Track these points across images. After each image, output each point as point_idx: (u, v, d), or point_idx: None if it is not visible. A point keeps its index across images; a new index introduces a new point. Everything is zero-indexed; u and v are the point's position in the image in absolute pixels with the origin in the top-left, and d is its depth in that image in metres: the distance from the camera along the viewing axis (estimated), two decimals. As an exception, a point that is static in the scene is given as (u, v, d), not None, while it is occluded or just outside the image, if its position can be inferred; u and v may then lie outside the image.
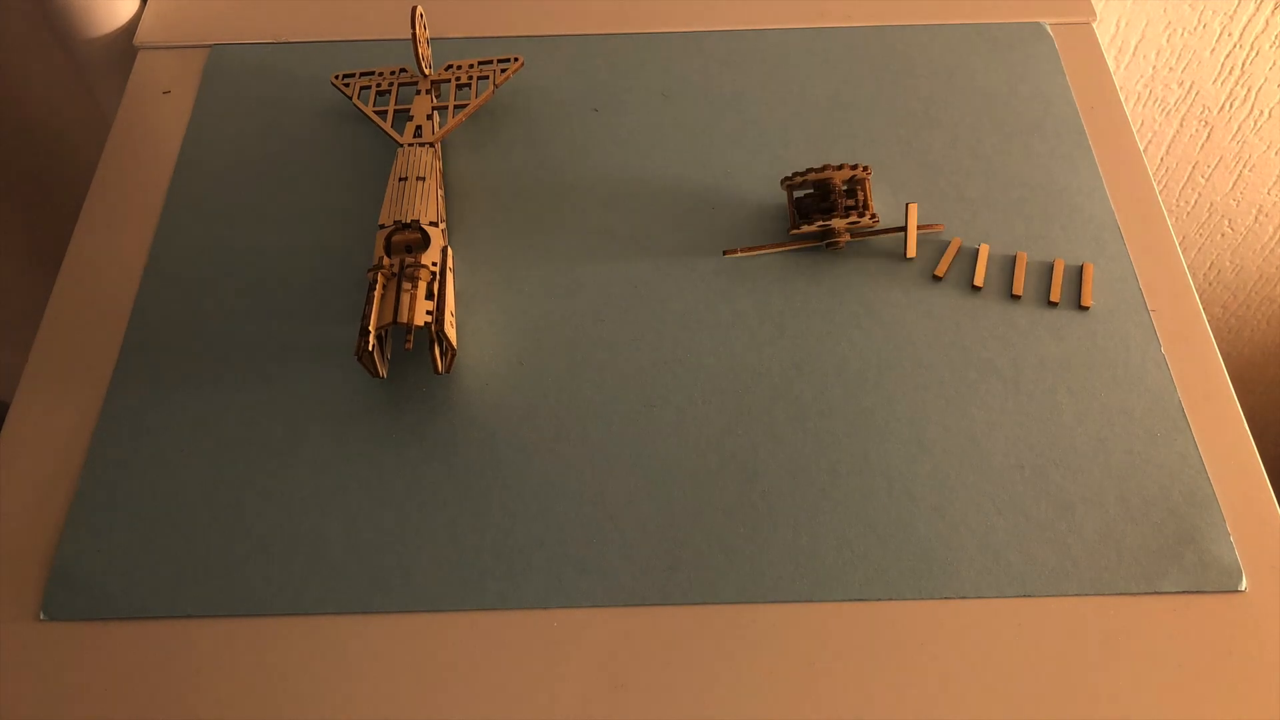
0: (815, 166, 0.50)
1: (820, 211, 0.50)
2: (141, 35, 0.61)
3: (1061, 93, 0.57)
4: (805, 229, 0.50)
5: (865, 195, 0.49)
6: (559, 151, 0.55)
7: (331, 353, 0.48)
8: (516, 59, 0.56)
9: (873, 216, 0.49)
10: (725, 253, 0.51)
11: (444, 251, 0.48)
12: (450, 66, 0.57)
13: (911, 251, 0.49)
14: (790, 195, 0.51)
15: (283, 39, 0.61)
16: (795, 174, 0.50)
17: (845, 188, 0.50)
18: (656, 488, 0.44)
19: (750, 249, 0.51)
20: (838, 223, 0.49)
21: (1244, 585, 0.41)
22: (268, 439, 0.45)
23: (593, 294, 0.50)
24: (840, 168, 0.49)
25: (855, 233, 0.51)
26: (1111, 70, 0.65)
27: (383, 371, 0.46)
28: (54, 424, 0.46)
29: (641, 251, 0.51)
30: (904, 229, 0.51)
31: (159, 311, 0.49)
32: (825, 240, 0.50)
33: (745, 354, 0.48)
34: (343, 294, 0.50)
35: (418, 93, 0.55)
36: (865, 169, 0.49)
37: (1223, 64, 0.83)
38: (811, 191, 0.51)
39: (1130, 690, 0.39)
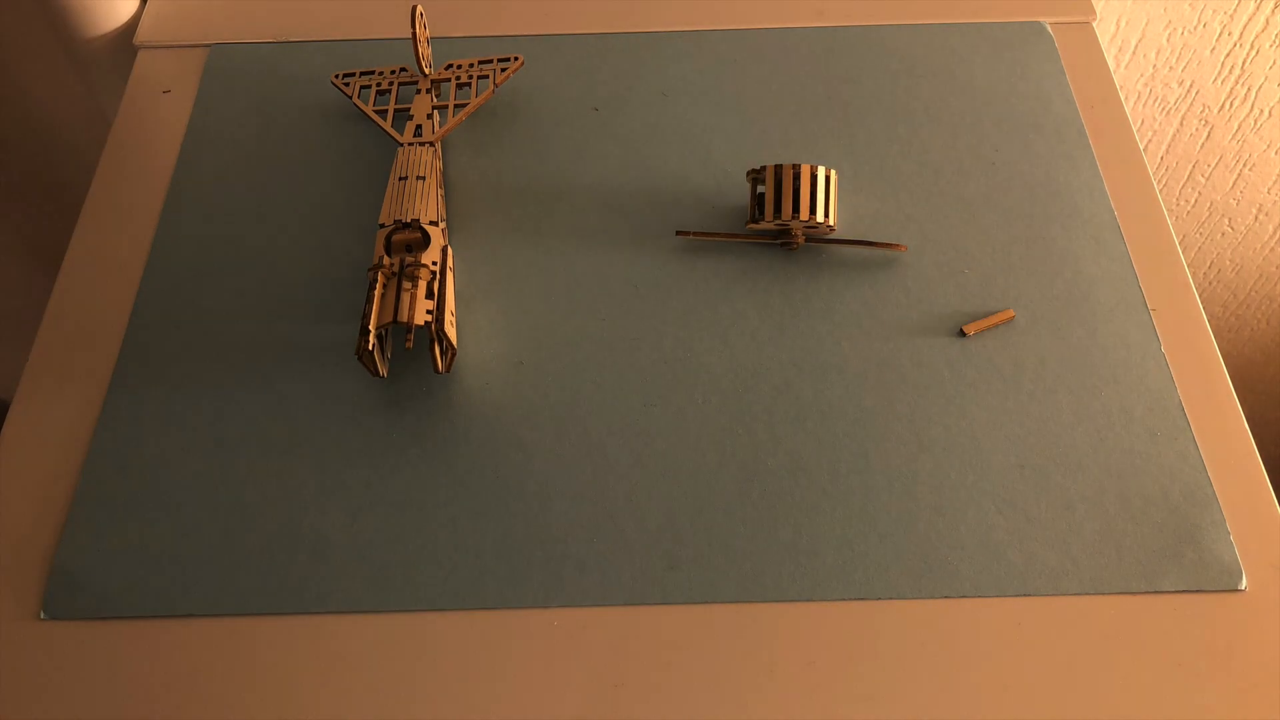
0: (780, 164, 0.49)
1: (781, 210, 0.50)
2: (141, 35, 0.61)
3: (1061, 92, 0.57)
4: (763, 224, 0.50)
5: (827, 201, 0.49)
6: (559, 151, 0.55)
7: (331, 352, 0.48)
8: (516, 58, 0.56)
9: (830, 226, 0.49)
10: (678, 233, 0.51)
11: (444, 251, 0.48)
12: (450, 66, 0.57)
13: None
14: (754, 188, 0.51)
15: (283, 39, 0.61)
16: (764, 167, 0.50)
17: (809, 190, 0.49)
18: (656, 487, 0.44)
19: (702, 234, 0.51)
20: (795, 224, 0.49)
21: (1244, 584, 0.41)
22: (268, 439, 0.45)
23: (593, 293, 0.50)
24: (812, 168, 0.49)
25: (811, 238, 0.51)
26: (1111, 69, 0.65)
27: (383, 371, 0.46)
28: (54, 424, 0.46)
29: (642, 251, 0.51)
30: (862, 243, 0.50)
31: (159, 311, 0.50)
32: (780, 239, 0.50)
33: (745, 354, 0.48)
34: (343, 294, 0.50)
35: (418, 92, 0.55)
36: (829, 172, 0.49)
37: (1223, 63, 0.83)
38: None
39: (1130, 690, 0.39)
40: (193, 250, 0.52)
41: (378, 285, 0.45)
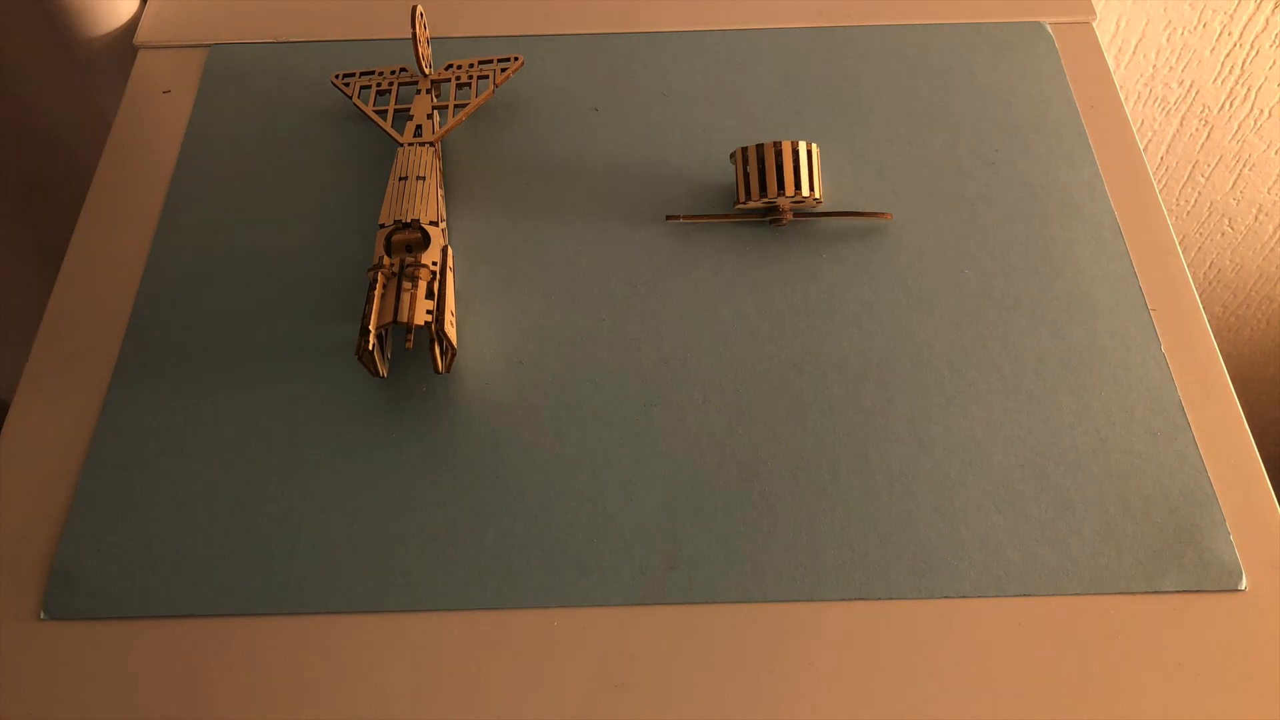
0: (761, 143, 0.50)
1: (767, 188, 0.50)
2: (141, 35, 0.61)
3: (1061, 92, 0.57)
4: (750, 204, 0.50)
5: (811, 174, 0.50)
6: (559, 151, 0.55)
7: (331, 353, 0.48)
8: (516, 58, 0.56)
9: (816, 199, 0.50)
10: (668, 218, 0.52)
11: (444, 251, 0.48)
12: (450, 66, 0.57)
13: None
14: (741, 170, 0.51)
15: (283, 39, 0.61)
16: (743, 148, 0.51)
17: (792, 165, 0.50)
18: (656, 487, 0.44)
19: (692, 217, 0.51)
20: (781, 200, 0.49)
21: (1244, 584, 0.41)
22: (268, 439, 0.45)
23: (593, 293, 0.50)
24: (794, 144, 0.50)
25: (799, 212, 0.51)
26: (1111, 70, 0.65)
27: (383, 371, 0.46)
28: (54, 424, 0.46)
29: (642, 251, 0.51)
30: (848, 214, 0.51)
31: (159, 311, 0.50)
32: (769, 216, 0.51)
33: (745, 354, 0.48)
34: (343, 294, 0.50)
35: (418, 92, 0.55)
36: (810, 145, 0.50)
37: (1223, 63, 0.83)
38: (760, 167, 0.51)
39: (1130, 690, 0.39)
40: (193, 250, 0.52)
41: (378, 285, 0.45)
